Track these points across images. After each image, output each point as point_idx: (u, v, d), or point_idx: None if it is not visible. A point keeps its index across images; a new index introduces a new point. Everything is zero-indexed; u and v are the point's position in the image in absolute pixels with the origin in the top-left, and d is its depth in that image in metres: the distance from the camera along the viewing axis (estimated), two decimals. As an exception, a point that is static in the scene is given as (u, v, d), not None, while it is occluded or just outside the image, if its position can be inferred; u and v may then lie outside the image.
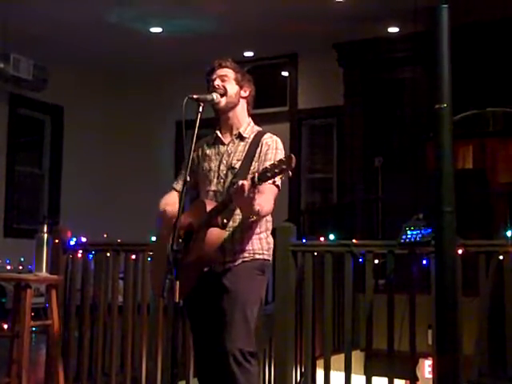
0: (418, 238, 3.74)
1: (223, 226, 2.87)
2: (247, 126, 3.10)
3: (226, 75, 3.06)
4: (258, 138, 3.03)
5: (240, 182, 2.62)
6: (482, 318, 3.74)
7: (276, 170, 2.60)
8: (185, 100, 2.86)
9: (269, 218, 3.06)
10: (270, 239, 3.09)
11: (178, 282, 2.66)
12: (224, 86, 3.04)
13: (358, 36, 8.05)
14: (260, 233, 3.02)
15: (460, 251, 3.50)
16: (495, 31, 7.60)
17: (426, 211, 3.79)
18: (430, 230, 3.68)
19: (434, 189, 3.10)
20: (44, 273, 4.17)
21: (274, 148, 3.00)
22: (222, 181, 3.01)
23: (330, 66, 8.52)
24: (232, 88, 3.05)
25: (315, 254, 4.10)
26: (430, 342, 4.25)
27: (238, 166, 2.99)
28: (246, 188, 2.60)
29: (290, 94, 9.32)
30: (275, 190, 2.92)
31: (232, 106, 3.07)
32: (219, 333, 2.89)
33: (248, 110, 3.15)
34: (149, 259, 4.37)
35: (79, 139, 9.38)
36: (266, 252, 3.03)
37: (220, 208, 2.85)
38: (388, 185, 7.47)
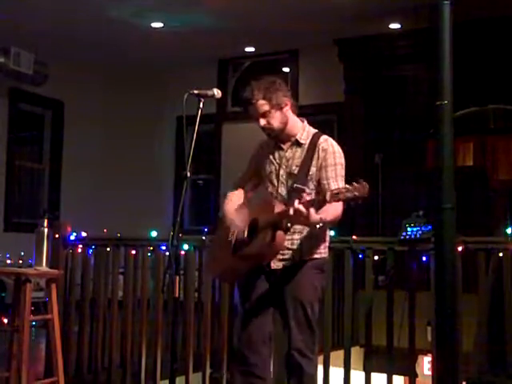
0: (418, 235, 3.75)
1: (287, 230, 2.95)
2: (303, 132, 3.14)
3: (265, 112, 3.05)
4: (313, 143, 3.08)
5: (296, 206, 2.70)
6: (481, 315, 3.74)
7: (348, 195, 2.64)
8: (185, 95, 2.86)
9: None
10: (328, 237, 3.18)
11: (177, 277, 2.67)
12: (269, 123, 3.06)
13: (359, 32, 8.04)
14: (321, 233, 3.09)
15: (460, 248, 3.49)
16: (496, 28, 7.59)
17: (425, 208, 3.79)
18: (430, 227, 3.68)
19: (435, 185, 3.10)
20: (44, 267, 4.17)
21: (331, 152, 3.07)
22: (282, 185, 3.09)
23: (331, 63, 8.51)
24: (276, 118, 3.07)
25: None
26: (429, 338, 4.24)
27: (296, 171, 3.05)
28: (302, 211, 2.70)
29: (290, 90, 9.30)
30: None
31: (283, 129, 3.11)
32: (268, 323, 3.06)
33: (295, 114, 3.17)
34: (149, 254, 4.37)
35: (79, 134, 9.37)
36: (323, 250, 3.12)
37: (283, 215, 2.89)
38: (388, 181, 7.47)
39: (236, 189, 3.28)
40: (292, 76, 9.29)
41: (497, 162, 7.67)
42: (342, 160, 3.11)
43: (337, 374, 4.08)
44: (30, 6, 7.33)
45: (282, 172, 3.09)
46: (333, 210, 2.86)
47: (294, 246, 3.04)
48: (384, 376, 3.84)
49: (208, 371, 4.20)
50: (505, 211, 6.35)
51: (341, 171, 3.08)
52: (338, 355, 4.20)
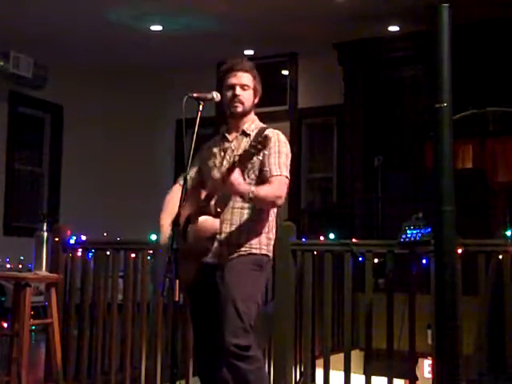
0: (417, 238, 3.74)
1: (216, 215, 2.88)
2: (251, 124, 3.11)
3: (247, 84, 3.06)
4: (260, 133, 3.03)
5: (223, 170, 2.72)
6: (481, 318, 3.74)
7: (252, 150, 2.67)
8: (185, 98, 2.87)
9: (273, 215, 3.07)
10: (272, 235, 3.08)
11: (177, 281, 2.66)
12: (243, 97, 3.05)
13: (359, 35, 8.05)
14: (261, 227, 3.02)
15: (460, 250, 3.49)
16: (495, 30, 7.60)
17: (425, 210, 3.79)
18: (429, 230, 3.68)
19: (434, 188, 3.10)
20: (44, 271, 4.17)
21: (276, 140, 3.00)
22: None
23: (330, 65, 8.52)
24: (250, 99, 3.08)
25: (315, 253, 4.10)
26: (429, 341, 4.24)
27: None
28: (227, 174, 2.70)
29: (290, 93, 9.32)
30: (284, 179, 2.95)
31: (246, 114, 3.10)
32: (216, 326, 2.90)
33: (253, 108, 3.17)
34: (148, 258, 4.37)
35: (79, 138, 9.37)
36: (264, 247, 3.02)
37: (210, 195, 2.88)
38: (388, 184, 7.46)
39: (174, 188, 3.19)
40: (291, 79, 9.31)
41: (496, 164, 7.68)
42: (288, 150, 3.03)
43: (337, 377, 4.08)
44: (30, 10, 7.34)
45: (225, 163, 3.03)
46: (267, 188, 2.86)
47: (222, 237, 2.94)
48: (384, 379, 3.84)
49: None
50: (504, 213, 6.34)
51: (285, 160, 2.99)
52: (338, 358, 4.20)
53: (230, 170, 2.78)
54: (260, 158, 2.96)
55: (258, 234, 3.01)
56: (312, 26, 7.94)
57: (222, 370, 2.87)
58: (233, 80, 3.05)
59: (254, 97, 3.10)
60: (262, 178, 2.96)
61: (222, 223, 2.94)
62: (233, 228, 2.96)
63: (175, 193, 3.10)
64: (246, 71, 3.07)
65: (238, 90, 3.04)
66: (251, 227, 2.99)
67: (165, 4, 7.48)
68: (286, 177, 2.96)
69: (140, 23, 7.95)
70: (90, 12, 7.50)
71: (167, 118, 9.44)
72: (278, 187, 2.92)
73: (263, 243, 3.02)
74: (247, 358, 2.84)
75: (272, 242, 3.09)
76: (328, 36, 8.05)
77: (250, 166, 2.94)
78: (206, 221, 2.89)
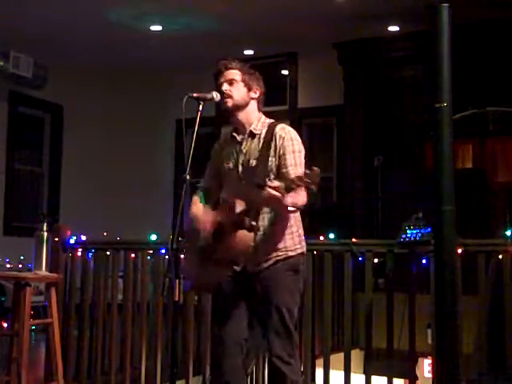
0: (417, 237, 3.74)
1: (251, 229, 2.86)
2: (258, 123, 3.08)
3: (233, 79, 3.05)
4: (270, 132, 3.02)
5: (272, 192, 2.62)
6: (481, 317, 3.74)
7: (307, 180, 2.57)
8: (185, 98, 2.86)
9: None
10: (301, 231, 3.08)
11: (177, 281, 2.66)
12: (231, 90, 3.03)
13: (358, 35, 8.04)
14: (290, 226, 3.01)
15: (459, 250, 3.49)
16: (495, 30, 7.60)
17: (425, 210, 3.79)
18: (429, 229, 3.67)
19: (434, 188, 3.10)
20: (43, 271, 4.17)
21: (289, 139, 2.98)
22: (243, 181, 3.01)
23: (330, 65, 8.52)
24: (239, 91, 3.05)
25: (315, 252, 4.10)
26: (429, 341, 4.24)
27: (254, 164, 2.98)
28: (278, 196, 2.62)
29: (289, 93, 9.31)
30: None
31: (240, 108, 3.06)
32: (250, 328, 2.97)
33: (258, 108, 3.13)
34: (148, 258, 4.37)
35: (79, 137, 9.37)
36: (298, 246, 3.03)
37: (247, 209, 2.85)
38: (388, 184, 7.47)
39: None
40: (291, 79, 9.31)
41: (496, 164, 7.68)
42: (301, 147, 3.01)
43: (337, 376, 4.08)
44: (30, 10, 7.33)
45: (240, 168, 3.02)
46: (301, 197, 2.79)
47: (257, 244, 2.93)
48: (384, 379, 3.84)
49: (208, 375, 4.19)
50: (504, 213, 6.35)
51: (300, 159, 2.97)
52: (338, 358, 4.20)
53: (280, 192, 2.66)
54: (275, 159, 2.95)
55: (291, 233, 3.01)
56: (312, 26, 7.93)
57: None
58: (220, 79, 3.06)
59: (248, 90, 3.06)
60: (280, 178, 2.90)
61: (264, 234, 2.94)
62: (266, 234, 2.95)
63: (196, 204, 3.13)
64: (232, 68, 3.06)
65: (225, 86, 3.03)
66: (283, 230, 2.98)
67: (165, 4, 7.47)
68: None
69: (140, 23, 7.95)
70: (90, 12, 7.50)
71: (167, 118, 9.44)
72: (304, 195, 2.84)
73: (296, 242, 3.02)
74: (288, 365, 2.91)
75: (303, 238, 3.08)
76: (328, 36, 8.05)
77: (269, 169, 2.93)
78: (245, 235, 2.85)
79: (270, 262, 2.96)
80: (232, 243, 2.84)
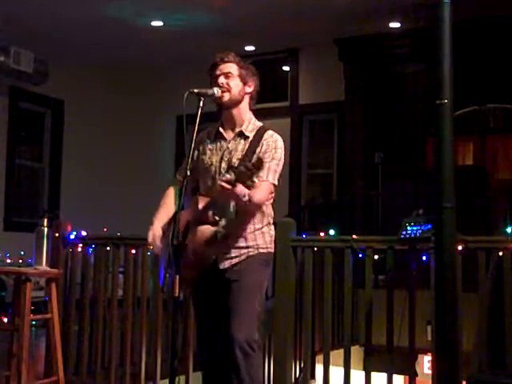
0: (417, 234, 3.74)
1: (214, 223, 2.90)
2: (248, 124, 3.10)
3: (229, 72, 3.05)
4: (258, 137, 3.04)
5: (223, 183, 2.69)
6: (481, 314, 3.74)
7: (248, 173, 2.65)
8: (185, 94, 2.86)
9: (269, 211, 3.11)
10: (273, 232, 3.15)
11: (177, 277, 2.67)
12: (228, 84, 3.04)
13: (360, 31, 8.04)
14: (262, 227, 3.07)
15: (460, 247, 3.49)
16: (496, 27, 7.59)
17: (426, 207, 3.79)
18: (429, 226, 3.67)
19: (435, 184, 3.10)
20: (44, 266, 4.17)
21: (272, 148, 3.02)
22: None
23: (331, 62, 8.52)
24: (236, 85, 3.06)
25: (315, 249, 4.10)
26: (429, 337, 4.24)
27: (236, 165, 2.98)
28: (228, 188, 2.69)
29: (290, 89, 9.31)
30: (271, 186, 2.99)
31: (236, 103, 3.07)
32: (226, 322, 2.94)
33: (249, 105, 3.15)
34: (149, 253, 4.37)
35: (79, 133, 9.37)
36: (269, 245, 3.11)
37: (209, 205, 2.89)
38: (388, 180, 7.46)
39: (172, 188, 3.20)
40: (292, 75, 9.30)
41: (496, 161, 7.68)
42: (281, 156, 3.05)
43: (337, 373, 4.08)
44: (30, 5, 7.33)
45: (223, 164, 3.04)
46: (259, 191, 2.87)
47: (228, 241, 2.97)
48: (384, 375, 3.84)
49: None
50: (504, 210, 6.35)
51: (275, 166, 3.01)
52: (337, 354, 4.20)
53: (231, 185, 2.74)
54: (253, 160, 2.94)
55: (262, 233, 3.07)
56: (313, 22, 7.93)
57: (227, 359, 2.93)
58: (216, 72, 3.06)
59: (244, 85, 3.08)
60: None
61: (225, 228, 2.94)
62: (227, 226, 2.96)
63: (169, 196, 3.15)
64: (229, 61, 3.07)
65: (222, 79, 3.04)
66: (245, 222, 3.01)
67: (165, 0, 7.47)
68: (274, 184, 2.99)
69: (141, 19, 7.94)
70: (90, 7, 7.49)
71: (168, 114, 9.43)
72: (264, 192, 2.94)
73: (268, 241, 3.09)
74: (253, 352, 2.91)
75: (273, 238, 3.15)
76: (329, 32, 8.05)
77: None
78: (206, 229, 2.89)
79: (243, 258, 3.02)
80: (195, 238, 2.87)
